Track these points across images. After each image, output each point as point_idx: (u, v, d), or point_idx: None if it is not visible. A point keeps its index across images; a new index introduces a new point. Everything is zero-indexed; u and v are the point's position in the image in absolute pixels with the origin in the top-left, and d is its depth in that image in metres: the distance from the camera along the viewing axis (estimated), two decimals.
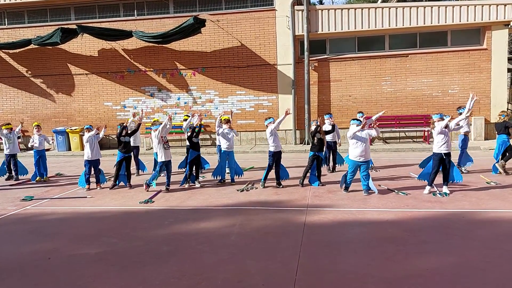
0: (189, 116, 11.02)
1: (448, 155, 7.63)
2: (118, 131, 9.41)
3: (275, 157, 8.74)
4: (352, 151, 7.81)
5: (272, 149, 8.74)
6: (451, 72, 15.01)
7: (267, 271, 4.50)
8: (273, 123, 8.70)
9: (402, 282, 4.14)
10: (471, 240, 5.25)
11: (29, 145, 10.36)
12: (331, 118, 9.97)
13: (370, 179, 7.87)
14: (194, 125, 9.40)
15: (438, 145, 7.66)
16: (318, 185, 8.67)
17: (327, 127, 9.76)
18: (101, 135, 9.49)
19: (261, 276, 4.39)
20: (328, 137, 10.02)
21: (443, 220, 6.14)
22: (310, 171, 8.77)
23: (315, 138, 8.59)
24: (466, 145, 9.65)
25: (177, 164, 10.71)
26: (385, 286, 4.06)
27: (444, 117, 7.78)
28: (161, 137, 8.71)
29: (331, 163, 10.46)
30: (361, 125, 7.68)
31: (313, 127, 8.75)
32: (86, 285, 4.33)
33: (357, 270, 4.46)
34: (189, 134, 9.33)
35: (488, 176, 9.05)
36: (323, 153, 8.90)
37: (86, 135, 9.13)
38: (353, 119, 8.20)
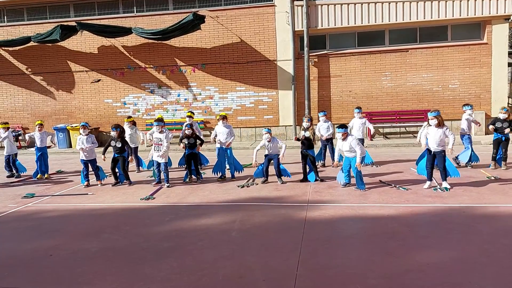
0: (193, 113, 10.93)
1: (440, 152, 7.61)
2: (108, 142, 9.31)
3: (268, 158, 8.88)
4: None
5: (265, 152, 8.89)
6: (452, 67, 14.97)
7: (267, 267, 4.52)
8: (269, 135, 8.66)
9: (402, 277, 4.15)
10: (472, 235, 5.26)
11: (27, 137, 10.49)
12: (325, 115, 10.40)
13: (360, 173, 7.83)
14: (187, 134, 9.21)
15: (431, 142, 7.69)
16: (315, 180, 8.69)
17: (322, 125, 10.27)
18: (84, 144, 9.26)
19: (261, 271, 4.41)
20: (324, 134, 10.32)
21: (443, 215, 6.15)
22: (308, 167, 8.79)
23: (303, 136, 8.62)
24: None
25: (177, 161, 10.70)
26: (385, 281, 4.07)
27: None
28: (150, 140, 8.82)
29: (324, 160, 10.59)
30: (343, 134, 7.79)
31: (305, 124, 8.72)
32: (88, 282, 4.35)
33: (358, 265, 4.47)
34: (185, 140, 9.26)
35: (488, 171, 9.06)
36: (313, 150, 8.76)
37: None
38: (339, 127, 7.84)
